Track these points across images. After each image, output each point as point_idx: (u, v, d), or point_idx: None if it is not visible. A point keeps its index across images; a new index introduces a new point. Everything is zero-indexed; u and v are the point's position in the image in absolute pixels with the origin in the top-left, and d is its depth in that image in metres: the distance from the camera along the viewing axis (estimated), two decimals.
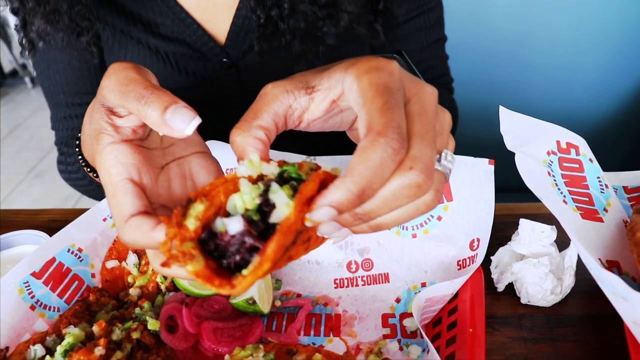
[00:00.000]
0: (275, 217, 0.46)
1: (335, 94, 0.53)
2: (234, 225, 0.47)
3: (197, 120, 0.52)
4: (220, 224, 0.48)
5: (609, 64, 1.55)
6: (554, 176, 0.77)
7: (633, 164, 0.96)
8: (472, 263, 0.77)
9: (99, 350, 0.67)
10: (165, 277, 0.81)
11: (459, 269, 0.79)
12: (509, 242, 0.81)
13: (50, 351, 0.70)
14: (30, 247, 0.90)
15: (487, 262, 0.81)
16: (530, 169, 0.74)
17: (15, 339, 0.72)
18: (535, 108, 1.60)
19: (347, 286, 0.83)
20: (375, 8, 1.00)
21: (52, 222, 1.03)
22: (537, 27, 1.52)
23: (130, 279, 0.83)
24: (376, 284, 0.82)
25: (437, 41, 1.15)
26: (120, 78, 0.53)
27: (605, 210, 0.79)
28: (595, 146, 0.86)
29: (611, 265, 0.73)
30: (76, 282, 0.80)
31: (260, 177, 0.50)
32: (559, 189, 0.76)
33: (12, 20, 4.34)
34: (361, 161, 0.44)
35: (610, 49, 1.53)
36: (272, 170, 0.50)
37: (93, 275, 0.83)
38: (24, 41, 0.99)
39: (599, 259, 0.73)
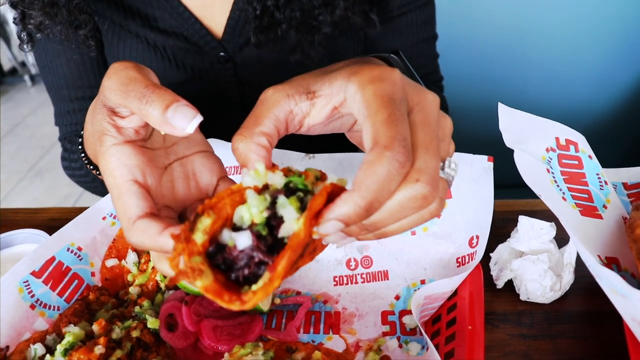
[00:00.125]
0: (283, 231, 0.47)
1: (337, 101, 0.53)
2: (242, 240, 0.47)
3: (199, 118, 0.52)
4: (227, 236, 0.48)
5: (608, 60, 1.55)
6: (553, 173, 0.77)
7: (633, 160, 0.96)
8: (471, 260, 0.77)
9: (99, 349, 0.67)
10: (164, 276, 0.81)
11: (458, 266, 0.79)
12: (508, 239, 0.81)
13: (51, 350, 0.70)
14: (29, 246, 0.90)
15: (486, 258, 0.81)
16: (529, 166, 0.74)
17: (16, 338, 0.72)
18: (534, 104, 1.59)
19: (347, 283, 0.83)
20: None
21: (51, 220, 1.03)
22: (537, 23, 1.52)
23: (130, 278, 0.84)
24: (375, 281, 0.82)
25: (428, 39, 1.15)
26: (121, 77, 0.53)
27: (605, 206, 0.79)
28: (594, 142, 0.86)
29: (610, 262, 0.73)
30: (76, 281, 0.80)
31: (266, 186, 0.50)
32: (558, 185, 0.76)
33: (10, 18, 4.33)
34: (368, 175, 0.45)
35: (609, 45, 1.53)
36: (278, 180, 0.50)
37: (93, 274, 0.83)
38: (22, 34, 0.99)
39: (598, 256, 0.73)
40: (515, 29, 1.53)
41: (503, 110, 0.76)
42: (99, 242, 0.85)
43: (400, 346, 0.74)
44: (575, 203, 0.76)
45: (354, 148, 0.64)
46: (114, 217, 0.88)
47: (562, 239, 0.80)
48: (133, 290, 0.81)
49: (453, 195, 0.81)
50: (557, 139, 0.80)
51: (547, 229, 0.78)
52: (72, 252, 0.81)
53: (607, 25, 1.50)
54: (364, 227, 0.49)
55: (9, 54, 4.97)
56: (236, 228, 0.49)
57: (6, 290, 0.73)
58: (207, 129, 0.65)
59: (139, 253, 0.85)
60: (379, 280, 0.82)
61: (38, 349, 0.69)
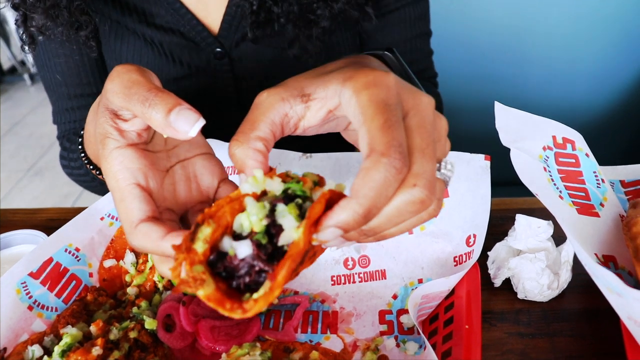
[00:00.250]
0: (283, 240, 0.47)
1: (332, 105, 0.53)
2: (243, 250, 0.48)
3: (201, 122, 0.52)
4: (228, 244, 0.49)
5: (606, 58, 1.55)
6: (549, 171, 0.77)
7: (631, 158, 0.96)
8: (469, 259, 0.77)
9: (97, 350, 0.67)
10: (162, 276, 0.81)
11: (455, 265, 0.79)
12: (505, 238, 0.81)
13: (48, 351, 0.70)
14: (27, 246, 0.90)
15: (484, 257, 0.81)
16: (526, 164, 0.74)
17: (13, 339, 0.72)
18: (532, 102, 1.59)
19: (344, 283, 0.83)
20: None
21: (50, 221, 1.03)
22: (535, 20, 1.52)
23: (127, 278, 0.84)
24: (373, 280, 0.82)
25: (422, 34, 1.16)
26: (124, 81, 0.53)
27: (602, 205, 0.78)
28: (593, 140, 0.86)
29: (607, 260, 0.73)
30: (74, 282, 0.80)
31: (265, 192, 0.51)
32: (555, 184, 0.76)
33: (10, 17, 4.33)
34: (365, 182, 0.45)
35: (608, 44, 1.53)
36: (276, 186, 0.50)
37: (91, 275, 0.83)
38: (24, 36, 1.00)
39: (595, 254, 0.73)
40: (513, 27, 1.53)
41: (499, 109, 0.76)
42: (97, 243, 0.85)
43: (397, 345, 0.74)
44: (572, 201, 0.76)
45: (351, 145, 0.64)
46: (112, 218, 0.88)
47: (559, 237, 0.80)
48: (131, 290, 0.81)
49: (450, 194, 0.81)
50: (554, 137, 0.79)
51: (545, 227, 0.78)
52: (69, 252, 0.81)
53: (606, 24, 1.50)
54: (363, 233, 0.49)
55: (9, 53, 4.97)
56: (236, 236, 0.49)
57: (4, 291, 0.73)
58: (204, 125, 0.66)
59: (137, 254, 0.85)
60: (376, 280, 0.82)
61: (36, 350, 0.69)
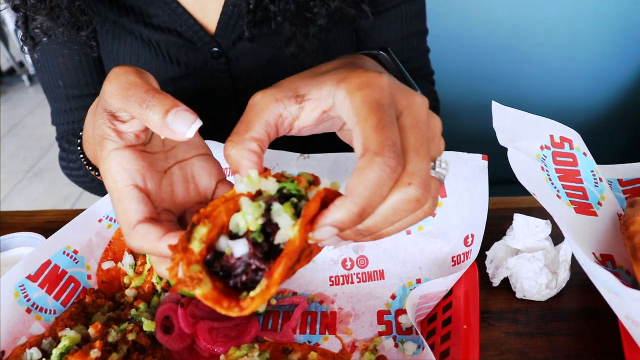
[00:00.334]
0: (279, 238, 0.48)
1: (326, 106, 0.53)
2: (239, 248, 0.48)
3: (198, 123, 0.52)
4: (224, 244, 0.49)
5: (605, 56, 1.55)
6: (547, 171, 0.77)
7: (630, 157, 0.96)
8: (467, 259, 0.77)
9: (95, 353, 0.67)
10: (160, 278, 0.81)
11: (453, 265, 0.79)
12: (503, 237, 0.81)
13: (47, 354, 0.70)
14: (26, 249, 0.90)
15: (482, 257, 0.81)
16: (523, 164, 0.74)
17: (12, 342, 0.72)
18: (531, 101, 1.59)
19: (343, 283, 0.83)
20: None
21: (48, 223, 1.03)
22: (534, 19, 1.52)
23: (126, 280, 0.84)
24: (371, 280, 0.82)
25: (418, 32, 1.16)
26: (122, 82, 0.54)
27: (600, 204, 0.78)
28: (592, 139, 0.86)
29: (605, 259, 0.73)
30: (72, 284, 0.80)
31: (260, 192, 0.51)
32: (552, 183, 0.76)
33: (9, 19, 4.33)
34: (360, 182, 0.45)
35: (606, 42, 1.53)
36: (271, 186, 0.51)
37: (89, 277, 0.83)
38: (25, 37, 1.00)
39: (593, 253, 0.73)
40: (512, 26, 1.53)
41: (497, 108, 0.76)
42: (95, 245, 0.85)
43: (396, 346, 0.74)
44: (569, 201, 0.76)
45: (347, 145, 0.65)
46: (110, 220, 0.88)
47: (557, 236, 0.79)
48: (129, 292, 0.81)
49: (448, 194, 0.81)
50: (551, 136, 0.79)
51: (543, 227, 0.78)
52: (68, 255, 0.81)
53: (604, 23, 1.50)
54: (359, 232, 0.50)
55: (7, 54, 4.96)
56: (233, 235, 0.50)
57: (2, 294, 0.73)
58: (202, 125, 0.66)
59: (135, 255, 0.85)
60: (374, 280, 0.82)
61: (34, 353, 0.69)
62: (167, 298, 0.78)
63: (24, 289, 0.75)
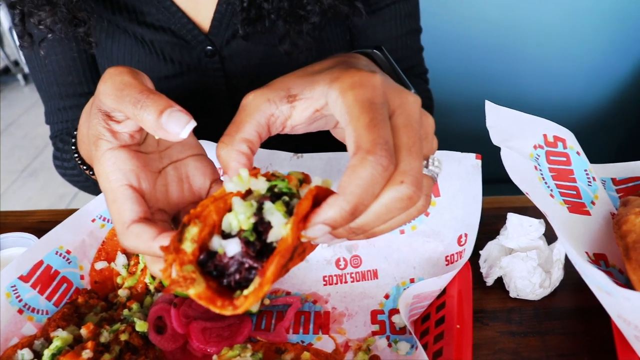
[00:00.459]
0: (272, 236, 0.48)
1: (319, 105, 0.53)
2: (231, 248, 0.48)
3: (192, 124, 0.53)
4: (217, 243, 0.49)
5: (600, 56, 1.55)
6: (540, 170, 0.77)
7: (625, 156, 0.96)
8: (460, 258, 0.77)
9: (87, 354, 0.66)
10: (153, 278, 0.81)
11: (447, 265, 0.79)
12: (497, 236, 0.81)
13: (39, 355, 0.70)
14: (18, 249, 0.89)
15: (476, 256, 0.82)
16: (516, 163, 0.74)
17: (3, 343, 0.72)
18: (526, 100, 1.59)
19: (336, 283, 0.83)
20: None
21: (41, 223, 1.02)
22: (529, 18, 1.52)
23: (119, 280, 0.83)
24: (365, 280, 0.82)
25: (412, 31, 1.16)
26: (116, 82, 0.54)
27: (593, 203, 0.79)
28: (587, 138, 0.86)
29: (598, 258, 0.73)
30: (65, 285, 0.80)
31: (250, 191, 0.51)
32: (545, 183, 0.76)
33: (3, 18, 4.31)
34: (352, 180, 0.46)
35: (601, 41, 1.53)
36: (261, 185, 0.51)
37: (82, 277, 0.83)
38: (22, 35, 1.00)
39: (586, 252, 0.73)
40: (506, 25, 1.53)
41: (490, 108, 0.76)
42: (88, 245, 0.85)
43: (389, 345, 0.74)
44: (563, 200, 0.76)
45: (341, 146, 0.65)
46: (104, 220, 0.87)
47: (551, 235, 0.80)
48: (122, 292, 0.81)
49: (441, 193, 0.81)
50: (544, 135, 0.79)
51: (536, 226, 0.78)
52: (60, 255, 0.81)
53: (600, 22, 1.50)
54: (352, 230, 0.50)
55: (2, 53, 4.94)
56: (225, 235, 0.50)
57: None
58: (196, 124, 0.66)
59: (128, 255, 0.85)
60: (368, 280, 0.82)
61: (25, 354, 0.69)
62: (160, 298, 0.78)
63: (16, 289, 0.75)
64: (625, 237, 0.68)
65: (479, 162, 0.80)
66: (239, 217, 0.49)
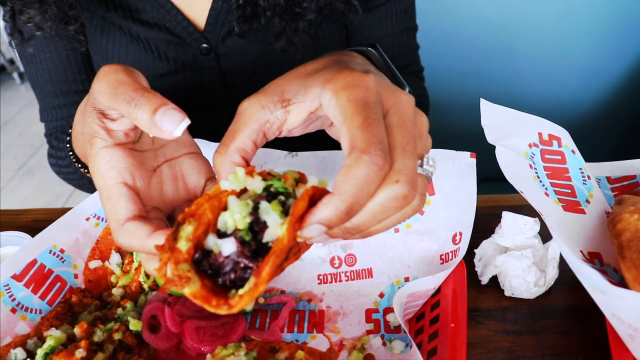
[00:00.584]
0: (267, 236, 0.48)
1: (313, 107, 0.54)
2: (227, 247, 0.48)
3: (186, 122, 0.53)
4: (212, 242, 0.49)
5: (595, 54, 1.55)
6: (535, 169, 0.77)
7: (620, 154, 0.96)
8: (455, 257, 0.77)
9: (80, 353, 0.66)
10: (147, 276, 0.81)
11: (441, 263, 0.79)
12: (492, 235, 0.81)
13: (32, 354, 0.69)
14: (12, 248, 0.89)
15: (471, 255, 0.81)
16: (511, 162, 0.74)
17: None
18: (521, 98, 1.60)
19: (331, 282, 0.82)
20: None
21: (35, 222, 1.02)
22: (524, 16, 1.52)
23: (113, 279, 0.83)
24: (360, 279, 0.82)
25: (408, 29, 1.16)
26: (111, 81, 0.54)
27: (588, 201, 0.78)
28: (582, 137, 0.86)
29: (593, 257, 0.73)
30: (58, 284, 0.80)
31: (245, 189, 0.51)
32: (540, 181, 0.76)
33: None
34: (347, 180, 0.46)
35: (597, 40, 1.53)
36: (256, 184, 0.51)
37: (76, 276, 0.82)
38: (12, 32, 1.00)
39: (581, 251, 0.73)
40: (503, 23, 1.53)
41: (485, 106, 0.76)
42: (82, 244, 0.84)
43: (384, 344, 0.73)
44: (558, 198, 0.76)
45: (337, 145, 0.65)
46: (98, 218, 0.87)
47: (546, 234, 0.80)
48: (116, 291, 0.80)
49: (436, 192, 0.81)
50: (539, 134, 0.79)
51: (531, 225, 0.78)
52: (54, 254, 0.80)
53: (595, 21, 1.50)
54: (347, 230, 0.50)
55: None
56: (221, 234, 0.50)
57: None
58: (191, 121, 0.67)
59: (123, 254, 0.85)
60: (363, 278, 0.82)
61: (18, 353, 0.68)
62: (154, 297, 0.78)
63: (9, 288, 0.74)
64: (620, 236, 0.68)
65: (474, 160, 0.80)
66: (235, 217, 0.49)
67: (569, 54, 1.56)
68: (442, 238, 0.80)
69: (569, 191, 0.78)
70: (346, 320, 0.78)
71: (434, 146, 0.61)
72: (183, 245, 0.49)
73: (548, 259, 0.78)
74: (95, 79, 0.55)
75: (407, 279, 0.81)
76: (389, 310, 0.78)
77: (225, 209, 0.50)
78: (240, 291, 0.47)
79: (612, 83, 1.58)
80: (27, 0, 0.93)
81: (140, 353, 0.71)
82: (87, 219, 0.86)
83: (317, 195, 0.48)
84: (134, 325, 0.72)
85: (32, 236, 0.84)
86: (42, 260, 0.79)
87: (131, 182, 0.56)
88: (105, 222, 0.86)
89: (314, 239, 0.49)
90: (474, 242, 0.79)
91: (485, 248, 0.81)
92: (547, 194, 0.75)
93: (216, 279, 0.49)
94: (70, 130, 0.80)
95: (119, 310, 0.76)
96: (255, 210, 0.49)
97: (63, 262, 0.81)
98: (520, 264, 0.76)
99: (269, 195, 0.50)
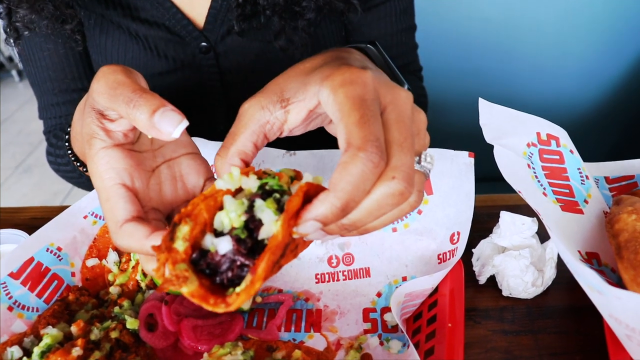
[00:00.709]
0: (263, 233, 0.48)
1: (311, 105, 0.54)
2: (223, 246, 0.49)
3: (185, 123, 0.53)
4: (209, 241, 0.50)
5: (594, 54, 1.55)
6: (534, 168, 0.77)
7: (619, 154, 0.96)
8: (453, 257, 0.77)
9: (77, 351, 0.66)
10: (145, 275, 0.81)
11: (439, 263, 0.79)
12: (490, 235, 0.81)
13: (28, 352, 0.69)
14: (9, 246, 0.89)
15: (468, 254, 0.81)
16: (509, 162, 0.74)
17: None
18: (520, 98, 1.60)
19: (328, 281, 0.82)
20: None
21: (33, 220, 1.01)
22: (523, 16, 1.52)
23: (110, 277, 0.83)
24: (357, 278, 0.82)
25: (407, 28, 1.16)
26: (109, 81, 0.54)
27: (586, 201, 0.78)
28: (581, 136, 0.86)
29: (590, 257, 0.73)
30: (55, 282, 0.79)
31: (240, 189, 0.52)
32: (539, 181, 0.76)
33: None
34: (342, 177, 0.46)
35: (596, 40, 1.53)
36: (252, 183, 0.51)
37: (73, 274, 0.82)
38: (8, 30, 1.00)
39: (579, 251, 0.73)
40: (501, 23, 1.53)
41: (483, 105, 0.76)
42: (80, 242, 0.84)
43: (381, 344, 0.73)
44: (556, 198, 0.76)
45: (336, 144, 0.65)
46: (96, 216, 0.87)
47: (544, 233, 0.79)
48: (113, 290, 0.80)
49: (434, 191, 0.81)
50: (538, 133, 0.79)
51: (529, 224, 0.77)
52: (51, 252, 0.80)
53: (594, 21, 1.50)
54: (344, 227, 0.50)
55: None
56: (218, 233, 0.50)
57: None
58: (190, 119, 0.67)
59: (120, 252, 0.85)
60: (360, 278, 0.82)
61: (15, 351, 0.68)
62: (151, 296, 0.78)
63: (6, 286, 0.74)
64: (618, 236, 0.68)
65: (472, 160, 0.80)
66: (230, 215, 0.49)
67: (568, 54, 1.56)
68: (440, 237, 0.80)
69: (567, 191, 0.78)
70: (343, 320, 0.78)
71: (432, 145, 0.61)
72: (180, 245, 0.49)
73: (546, 259, 0.77)
74: (94, 80, 0.55)
75: (404, 279, 0.81)
76: (386, 309, 0.78)
77: (221, 208, 0.51)
78: (237, 289, 0.47)
79: (611, 83, 1.58)
80: None
81: (137, 352, 0.71)
82: (85, 217, 0.86)
83: (313, 192, 0.48)
84: (131, 323, 0.72)
85: (30, 234, 0.84)
86: (40, 258, 0.79)
87: (130, 183, 0.56)
88: (103, 220, 0.86)
89: (310, 235, 0.49)
90: (472, 242, 0.79)
91: (483, 248, 0.81)
92: (545, 194, 0.75)
93: (214, 277, 0.49)
94: (69, 129, 0.80)
95: (116, 309, 0.76)
96: (250, 209, 0.49)
97: (60, 260, 0.81)
98: (518, 264, 0.76)
99: (264, 193, 0.50)
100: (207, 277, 0.49)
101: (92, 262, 0.84)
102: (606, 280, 0.61)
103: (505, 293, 0.79)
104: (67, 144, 0.81)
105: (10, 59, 4.91)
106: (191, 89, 1.09)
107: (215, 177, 0.64)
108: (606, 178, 0.86)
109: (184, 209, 0.50)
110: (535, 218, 0.77)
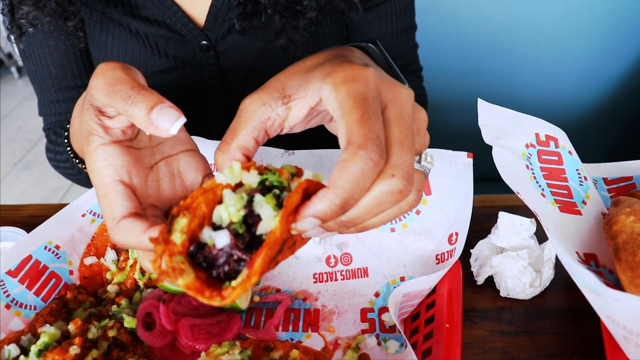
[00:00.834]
0: (261, 229, 0.48)
1: (313, 102, 0.54)
2: (221, 239, 0.49)
3: (182, 120, 0.53)
4: (207, 235, 0.50)
5: (594, 55, 1.55)
6: (532, 169, 0.77)
7: (617, 155, 0.96)
8: (451, 257, 0.77)
9: (74, 349, 0.66)
10: (143, 273, 0.81)
11: (437, 263, 0.79)
12: (488, 235, 0.81)
13: (25, 351, 0.69)
14: (7, 244, 0.89)
15: (467, 255, 0.81)
16: (508, 162, 0.74)
17: None
18: (519, 98, 1.60)
19: (326, 281, 0.82)
20: None
21: (32, 217, 1.01)
22: (523, 16, 1.52)
23: (108, 276, 0.83)
24: (355, 278, 0.82)
25: (408, 28, 1.17)
26: (108, 78, 0.54)
27: (584, 202, 0.78)
28: (580, 137, 0.86)
29: (588, 258, 0.73)
30: (53, 280, 0.79)
31: (240, 183, 0.51)
32: (537, 182, 0.76)
33: None
34: (342, 174, 0.46)
35: (595, 41, 1.53)
36: (252, 179, 0.51)
37: (71, 272, 0.82)
38: (11, 26, 1.00)
39: (577, 252, 0.73)
40: (501, 23, 1.53)
41: (482, 106, 0.76)
42: (78, 240, 0.84)
43: (379, 344, 0.73)
44: (554, 199, 0.76)
45: (336, 143, 0.65)
46: (94, 214, 0.87)
47: (542, 234, 0.79)
48: (111, 288, 0.80)
49: (432, 191, 0.81)
50: (537, 134, 0.79)
51: (527, 225, 0.78)
52: (49, 250, 0.80)
53: (594, 21, 1.50)
54: (342, 224, 0.50)
55: None
56: (216, 227, 0.50)
57: None
58: (190, 118, 0.67)
59: (118, 251, 0.85)
60: (358, 278, 0.82)
61: (12, 349, 0.68)
62: (149, 294, 0.78)
63: (4, 284, 0.74)
64: (616, 238, 0.68)
65: (471, 160, 0.80)
66: (229, 210, 0.49)
67: (568, 54, 1.56)
68: (438, 238, 0.80)
69: (566, 192, 0.78)
70: (341, 320, 0.78)
71: (431, 145, 0.61)
72: (177, 237, 0.49)
73: (544, 260, 0.78)
74: (93, 76, 0.55)
75: (402, 279, 0.81)
76: (384, 309, 0.78)
77: (220, 202, 0.51)
78: (233, 283, 0.47)
79: (610, 84, 1.58)
80: None
81: (134, 350, 0.71)
82: (83, 215, 0.86)
83: (312, 189, 0.49)
84: (129, 322, 0.72)
85: (28, 232, 0.84)
86: (38, 256, 0.78)
87: (128, 179, 0.56)
88: (101, 218, 0.86)
89: (308, 232, 0.49)
90: (470, 242, 0.79)
91: (481, 248, 0.81)
92: (543, 195, 0.75)
93: (210, 271, 0.49)
94: (68, 126, 0.80)
95: (114, 307, 0.76)
96: (249, 204, 0.49)
97: (58, 258, 0.81)
98: (516, 265, 0.76)
99: (264, 188, 0.50)
100: (204, 271, 0.49)
101: (90, 260, 0.84)
102: (604, 282, 0.61)
103: (503, 294, 0.79)
104: (66, 140, 0.81)
105: (10, 55, 4.91)
106: (191, 88, 1.09)
107: (215, 172, 0.64)
108: (605, 179, 0.86)
109: (183, 202, 0.50)
110: (533, 219, 0.77)
